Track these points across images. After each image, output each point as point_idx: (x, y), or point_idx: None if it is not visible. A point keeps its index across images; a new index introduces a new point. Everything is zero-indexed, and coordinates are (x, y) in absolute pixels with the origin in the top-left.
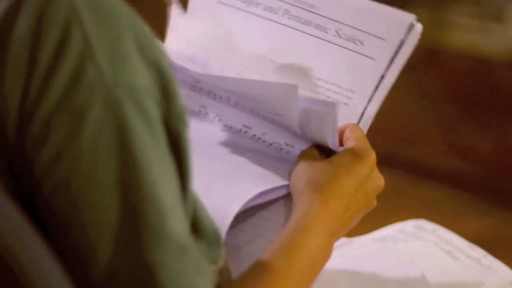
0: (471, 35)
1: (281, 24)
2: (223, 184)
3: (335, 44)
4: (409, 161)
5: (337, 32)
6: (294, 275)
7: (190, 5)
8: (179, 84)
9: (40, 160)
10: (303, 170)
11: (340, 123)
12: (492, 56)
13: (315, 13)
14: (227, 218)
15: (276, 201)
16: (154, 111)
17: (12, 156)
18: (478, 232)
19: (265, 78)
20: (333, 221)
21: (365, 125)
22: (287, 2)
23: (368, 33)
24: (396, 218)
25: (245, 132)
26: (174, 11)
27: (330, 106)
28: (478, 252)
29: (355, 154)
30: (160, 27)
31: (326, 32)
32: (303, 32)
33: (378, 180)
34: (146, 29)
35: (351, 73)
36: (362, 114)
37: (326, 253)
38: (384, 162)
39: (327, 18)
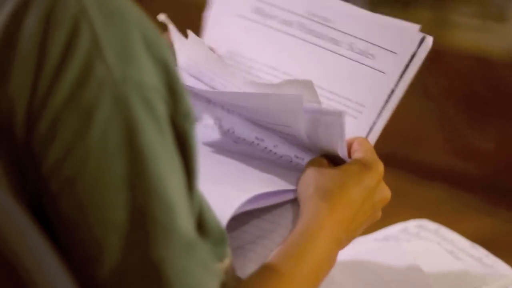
0: (473, 35)
1: (296, 37)
2: (228, 184)
3: (347, 58)
4: (411, 161)
5: (350, 46)
6: (300, 280)
7: (208, 18)
8: (194, 97)
9: (47, 159)
10: (312, 177)
11: (349, 136)
12: (494, 56)
13: (329, 26)
14: (228, 212)
15: (282, 205)
16: (162, 108)
17: (19, 156)
18: (480, 232)
19: (272, 89)
20: (340, 229)
21: (373, 138)
22: (302, 16)
23: (380, 47)
24: (398, 218)
25: (258, 144)
26: (173, 34)
27: (337, 115)
28: (481, 252)
29: (364, 164)
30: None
31: (339, 46)
32: (317, 45)
33: (385, 192)
34: (154, 27)
35: (362, 87)
36: (371, 129)
37: (331, 260)
38: (386, 162)
39: (341, 32)
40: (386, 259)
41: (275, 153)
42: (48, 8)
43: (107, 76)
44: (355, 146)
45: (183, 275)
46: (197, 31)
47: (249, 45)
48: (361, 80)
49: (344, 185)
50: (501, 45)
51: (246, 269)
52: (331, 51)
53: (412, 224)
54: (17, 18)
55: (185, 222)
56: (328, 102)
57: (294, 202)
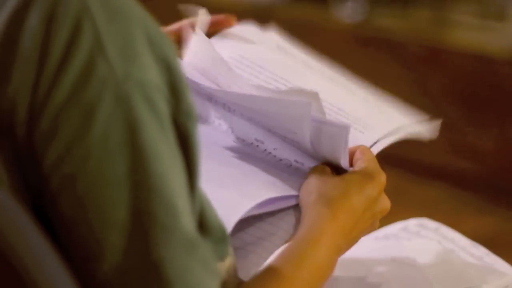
0: (473, 34)
1: (313, 70)
2: (232, 188)
3: (361, 100)
4: (411, 160)
5: (365, 100)
6: (300, 284)
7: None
8: (195, 93)
9: (48, 156)
10: (315, 184)
11: (352, 145)
12: (494, 54)
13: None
14: (232, 220)
15: (284, 209)
16: (164, 107)
17: (20, 154)
18: (480, 231)
19: (279, 95)
20: (341, 236)
21: (376, 150)
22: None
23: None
24: (398, 217)
25: (257, 146)
26: (197, 32)
27: (342, 128)
28: (481, 251)
29: (366, 174)
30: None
31: (354, 95)
32: (336, 85)
33: (385, 203)
34: (157, 26)
35: (373, 115)
36: (376, 142)
37: (331, 266)
38: (387, 161)
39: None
40: (387, 258)
41: (274, 156)
42: (50, 7)
43: (109, 74)
44: (357, 155)
45: (184, 274)
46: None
47: (266, 58)
48: (372, 111)
49: (346, 194)
50: (501, 44)
51: (246, 270)
52: (345, 92)
53: (413, 223)
54: (18, 17)
55: (186, 221)
56: (335, 116)
57: (296, 207)
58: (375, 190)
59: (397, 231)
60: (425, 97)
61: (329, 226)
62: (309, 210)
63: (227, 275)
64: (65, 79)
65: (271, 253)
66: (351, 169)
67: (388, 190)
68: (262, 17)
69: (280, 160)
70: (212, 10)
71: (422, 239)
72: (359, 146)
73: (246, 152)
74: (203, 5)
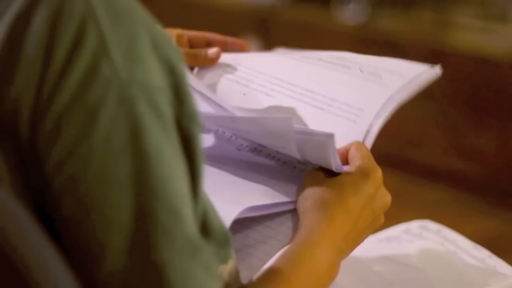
0: (475, 36)
1: (309, 63)
2: (229, 192)
3: (355, 76)
4: (412, 162)
5: (360, 70)
6: (298, 287)
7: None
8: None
9: (51, 157)
10: (309, 190)
11: (347, 140)
12: (496, 56)
13: (344, 60)
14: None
15: (284, 213)
16: (167, 110)
17: (23, 155)
18: (482, 233)
19: (259, 113)
20: (340, 238)
21: (370, 141)
22: (321, 54)
23: (389, 70)
24: (400, 219)
25: (261, 150)
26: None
27: (326, 136)
28: (483, 253)
29: (361, 172)
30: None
31: (350, 69)
32: (328, 68)
33: (385, 198)
34: (161, 29)
35: (363, 95)
36: (368, 131)
37: (333, 269)
38: (388, 163)
39: (354, 62)
40: (389, 260)
41: (278, 159)
42: (56, 8)
43: (113, 77)
44: (352, 152)
45: (185, 277)
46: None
47: (259, 61)
48: (362, 88)
49: (341, 195)
50: (503, 46)
51: (244, 273)
52: (339, 71)
53: (415, 225)
54: (24, 18)
55: (188, 225)
56: (328, 109)
57: (294, 211)
58: (371, 187)
59: (399, 233)
60: (427, 99)
61: (326, 230)
62: (305, 216)
63: (229, 278)
64: (69, 81)
65: (271, 256)
66: (346, 168)
67: (390, 192)
68: (264, 20)
69: (284, 163)
70: (214, 13)
71: (424, 241)
72: (353, 143)
73: (249, 159)
74: (206, 8)
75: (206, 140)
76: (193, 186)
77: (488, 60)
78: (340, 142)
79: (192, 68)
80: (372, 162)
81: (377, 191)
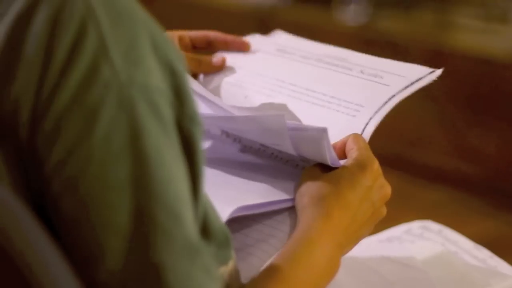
0: (476, 37)
1: (310, 64)
2: (225, 192)
3: (356, 77)
4: (413, 163)
5: (361, 71)
6: (297, 284)
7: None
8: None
9: (50, 158)
10: (306, 187)
11: (344, 133)
12: (497, 57)
13: (344, 61)
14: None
15: (282, 212)
16: (168, 111)
17: (23, 155)
18: (483, 234)
19: (252, 111)
20: (339, 233)
21: (368, 133)
22: (319, 54)
23: (390, 72)
24: (401, 220)
25: (263, 151)
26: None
27: (320, 131)
28: (484, 253)
29: (357, 165)
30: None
31: (351, 70)
32: (329, 69)
33: (384, 189)
34: (161, 30)
35: (364, 93)
36: (367, 124)
37: (333, 265)
38: (390, 164)
39: (354, 64)
40: (390, 260)
41: (281, 158)
42: (56, 9)
43: (113, 78)
44: (350, 144)
45: (185, 280)
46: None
47: (260, 63)
48: (364, 88)
49: (338, 190)
50: (504, 47)
51: (245, 272)
52: (341, 72)
53: (416, 225)
54: (24, 19)
55: (188, 227)
56: (329, 105)
57: (292, 209)
58: (368, 180)
59: (401, 233)
60: (428, 100)
61: (324, 225)
62: (303, 213)
63: (229, 279)
64: (68, 82)
65: (271, 255)
66: (342, 162)
67: (391, 193)
68: (265, 20)
69: (287, 161)
70: (215, 14)
71: (426, 242)
72: (350, 135)
73: (251, 161)
74: (206, 9)
75: (210, 145)
76: (194, 187)
77: (489, 61)
78: (339, 137)
79: (195, 74)
80: (369, 153)
81: (375, 182)
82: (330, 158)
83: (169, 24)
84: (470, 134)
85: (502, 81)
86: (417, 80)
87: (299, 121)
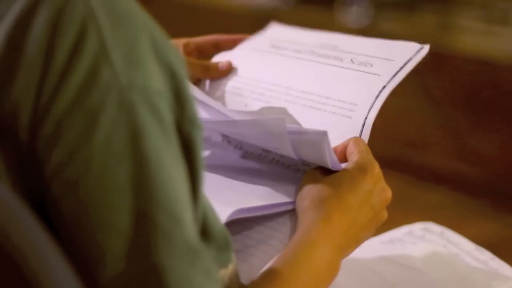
0: (477, 39)
1: (304, 59)
2: (226, 194)
3: (347, 68)
4: (415, 165)
5: (351, 60)
6: (298, 287)
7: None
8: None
9: (51, 161)
10: (306, 190)
11: (344, 136)
12: (499, 59)
13: (336, 50)
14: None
15: (282, 214)
16: (168, 114)
17: (23, 157)
18: (484, 236)
19: (253, 115)
20: (339, 236)
21: (366, 134)
22: (312, 45)
23: (379, 57)
24: (402, 222)
25: (265, 156)
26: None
27: (320, 134)
28: (486, 255)
29: (358, 168)
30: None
31: (342, 61)
32: (321, 63)
33: (385, 192)
34: (162, 32)
35: (356, 89)
36: (364, 124)
37: (333, 267)
38: (391, 166)
39: (345, 52)
40: (392, 262)
41: (282, 163)
42: (56, 11)
43: (114, 80)
44: (350, 148)
45: (185, 282)
46: (197, 32)
47: (256, 66)
48: (355, 82)
49: (338, 193)
50: (505, 49)
51: (245, 273)
52: (332, 65)
53: (418, 227)
54: (24, 21)
55: (188, 229)
56: (324, 108)
57: (293, 211)
58: (369, 183)
59: (402, 235)
60: (429, 102)
61: (324, 228)
62: (303, 216)
63: (229, 282)
64: (69, 84)
65: (272, 257)
66: (343, 165)
67: (393, 195)
68: (267, 22)
69: (288, 166)
70: (216, 15)
71: (427, 243)
72: (350, 139)
73: (252, 167)
74: (206, 9)
75: (211, 152)
76: (193, 190)
77: (490, 63)
78: (339, 140)
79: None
80: (369, 157)
81: (375, 186)
82: (331, 161)
83: (170, 26)
84: (471, 136)
85: (504, 83)
86: (406, 63)
87: (299, 124)
